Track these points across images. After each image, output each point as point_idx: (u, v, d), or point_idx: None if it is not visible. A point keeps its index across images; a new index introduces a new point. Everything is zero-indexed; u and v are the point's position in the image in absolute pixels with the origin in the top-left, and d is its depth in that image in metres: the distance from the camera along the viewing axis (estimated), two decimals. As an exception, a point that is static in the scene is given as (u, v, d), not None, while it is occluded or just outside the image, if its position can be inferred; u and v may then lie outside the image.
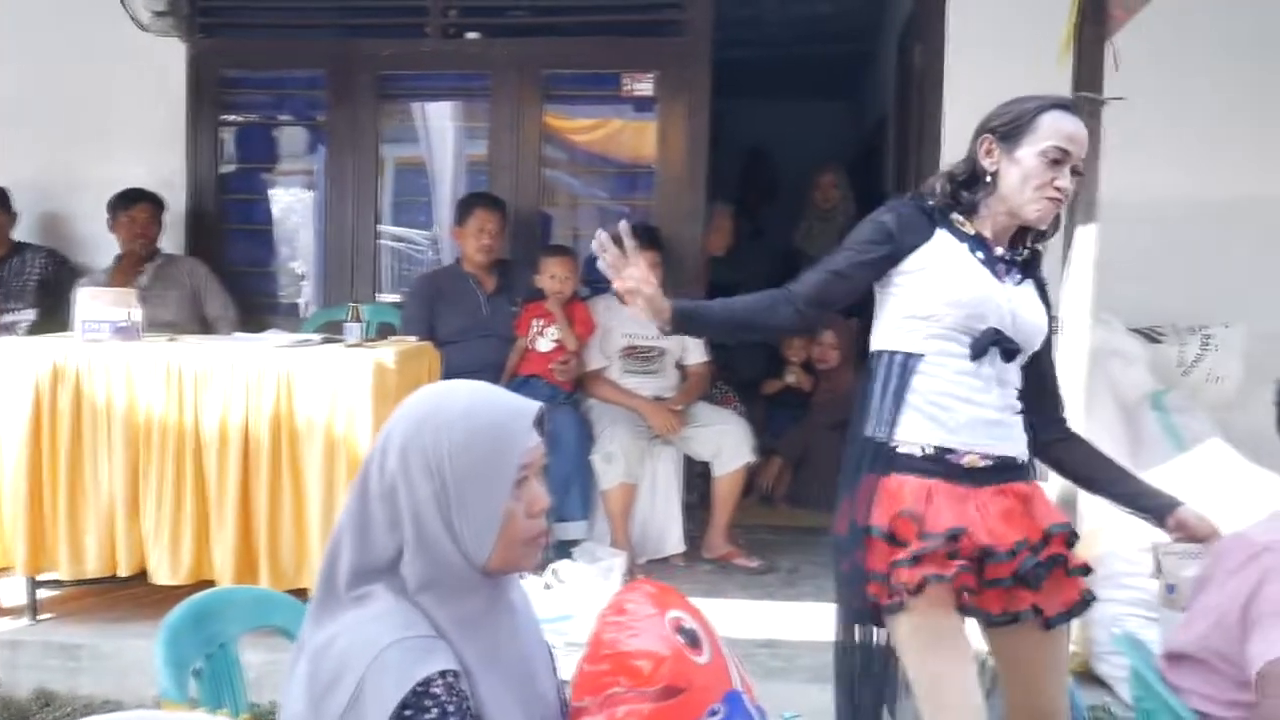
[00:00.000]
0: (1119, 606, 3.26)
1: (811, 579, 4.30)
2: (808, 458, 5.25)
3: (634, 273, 2.11)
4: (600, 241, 2.13)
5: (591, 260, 5.51)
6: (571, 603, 3.87)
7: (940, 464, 2.13)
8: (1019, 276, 2.24)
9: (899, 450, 2.14)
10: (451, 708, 1.38)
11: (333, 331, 4.15)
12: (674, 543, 4.57)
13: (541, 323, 4.51)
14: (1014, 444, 2.20)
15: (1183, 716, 1.43)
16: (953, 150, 4.62)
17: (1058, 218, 2.23)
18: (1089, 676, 3.30)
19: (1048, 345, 2.33)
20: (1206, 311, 4.37)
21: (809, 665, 3.41)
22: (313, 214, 5.50)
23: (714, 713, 1.78)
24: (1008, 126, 2.18)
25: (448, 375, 3.89)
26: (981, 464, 2.14)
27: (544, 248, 4.84)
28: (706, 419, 4.59)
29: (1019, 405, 2.23)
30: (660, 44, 5.09)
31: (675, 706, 1.77)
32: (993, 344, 2.15)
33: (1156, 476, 3.59)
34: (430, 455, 1.45)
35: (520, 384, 4.47)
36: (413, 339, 4.17)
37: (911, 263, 2.19)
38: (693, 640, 1.87)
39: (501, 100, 5.17)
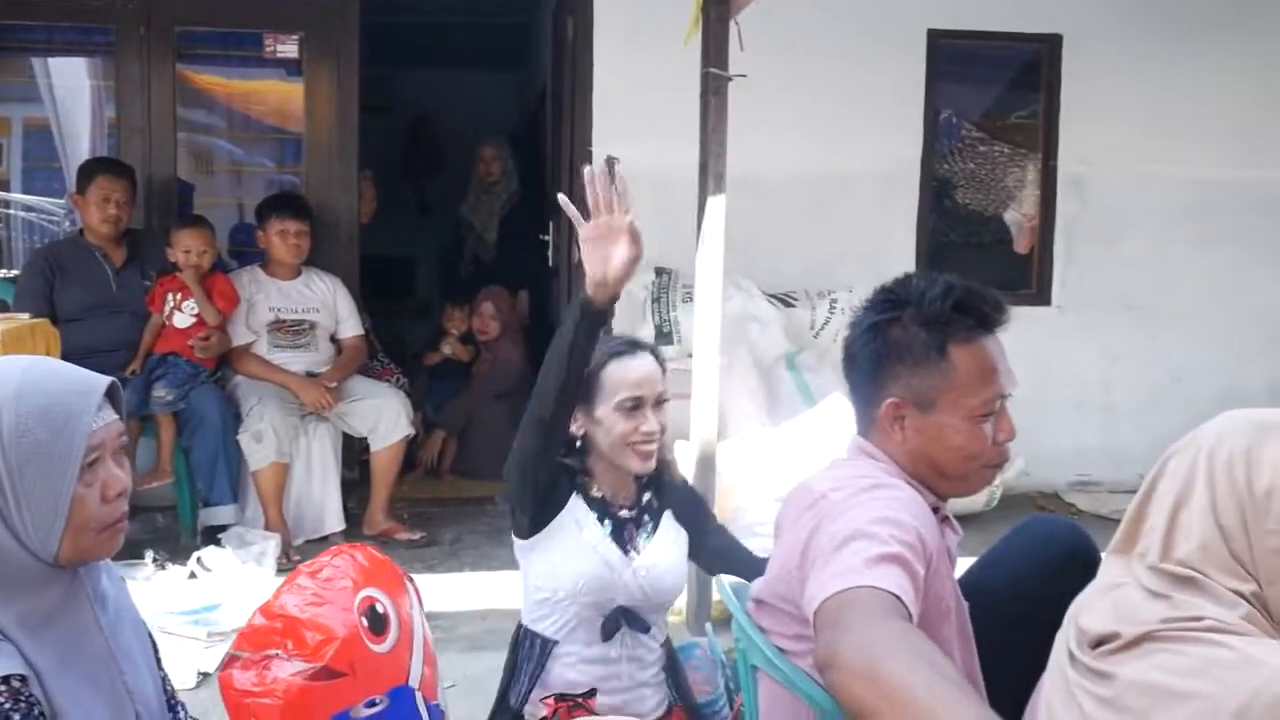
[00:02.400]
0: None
1: (474, 548, 4.33)
2: (472, 428, 5.24)
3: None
4: (589, 174, 1.94)
5: (235, 230, 5.25)
6: (219, 591, 3.67)
7: None
8: (651, 526, 2.20)
9: None
10: (17, 716, 1.27)
11: (-65, 310, 3.72)
12: (333, 521, 4.43)
13: (178, 296, 4.22)
14: (647, 703, 2.18)
15: (766, 652, 1.53)
16: (604, 123, 4.74)
17: (663, 452, 2.18)
18: (728, 623, 3.50)
19: (707, 514, 2.36)
20: (833, 277, 4.75)
21: (467, 634, 3.43)
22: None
23: (371, 704, 1.73)
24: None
25: (70, 355, 3.55)
26: None
27: (176, 219, 4.54)
28: (363, 393, 4.46)
29: (658, 663, 2.21)
30: (304, 4, 4.88)
31: (329, 688, 1.71)
32: (622, 620, 2.13)
33: (790, 429, 3.89)
34: None
35: (158, 362, 4.21)
36: (25, 316, 3.80)
37: (554, 525, 2.13)
38: (378, 625, 1.80)
39: (128, 58, 4.78)
